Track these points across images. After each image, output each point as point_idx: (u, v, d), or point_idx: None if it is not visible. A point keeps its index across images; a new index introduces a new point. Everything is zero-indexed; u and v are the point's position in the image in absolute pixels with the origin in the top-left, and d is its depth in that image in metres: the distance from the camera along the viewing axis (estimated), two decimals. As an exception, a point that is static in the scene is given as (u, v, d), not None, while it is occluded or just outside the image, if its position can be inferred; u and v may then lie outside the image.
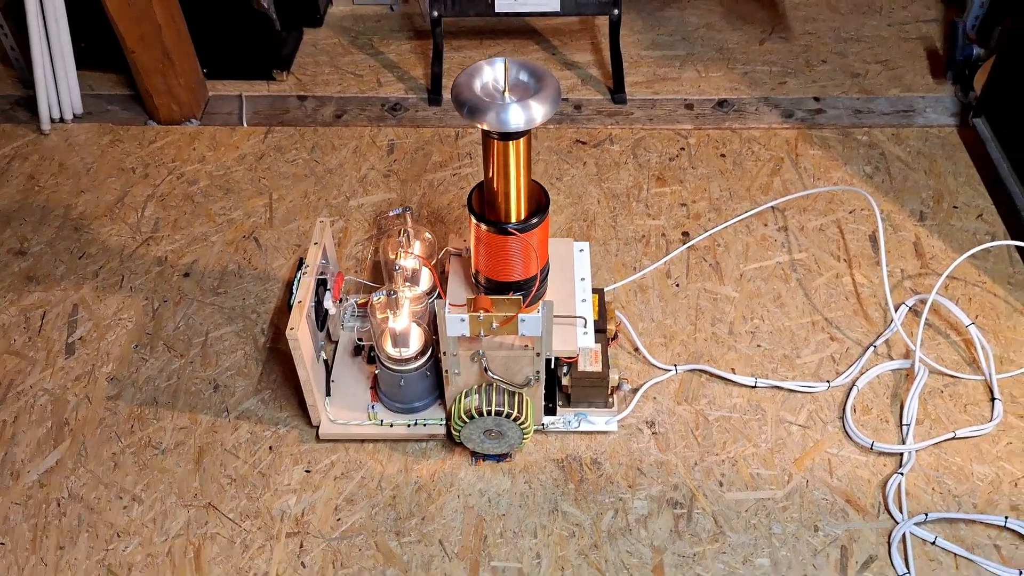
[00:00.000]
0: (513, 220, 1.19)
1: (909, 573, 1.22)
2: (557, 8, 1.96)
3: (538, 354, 1.22)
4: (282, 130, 1.95)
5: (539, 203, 1.21)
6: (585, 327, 1.30)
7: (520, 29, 2.24)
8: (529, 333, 1.18)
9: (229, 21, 2.00)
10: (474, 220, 1.20)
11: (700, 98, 2.01)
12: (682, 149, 1.88)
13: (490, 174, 1.15)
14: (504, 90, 1.09)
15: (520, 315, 1.16)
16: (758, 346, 1.50)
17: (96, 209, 1.77)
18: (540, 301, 1.19)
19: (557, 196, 1.77)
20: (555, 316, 1.24)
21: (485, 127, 1.07)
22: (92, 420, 1.41)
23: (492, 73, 1.11)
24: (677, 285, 1.60)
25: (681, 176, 1.81)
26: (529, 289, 1.26)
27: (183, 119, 1.97)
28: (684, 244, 1.67)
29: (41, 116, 1.93)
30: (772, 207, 1.73)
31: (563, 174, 1.83)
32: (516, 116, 1.05)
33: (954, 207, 1.73)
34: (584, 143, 1.90)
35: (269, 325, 1.54)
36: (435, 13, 1.99)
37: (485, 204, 1.20)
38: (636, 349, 1.49)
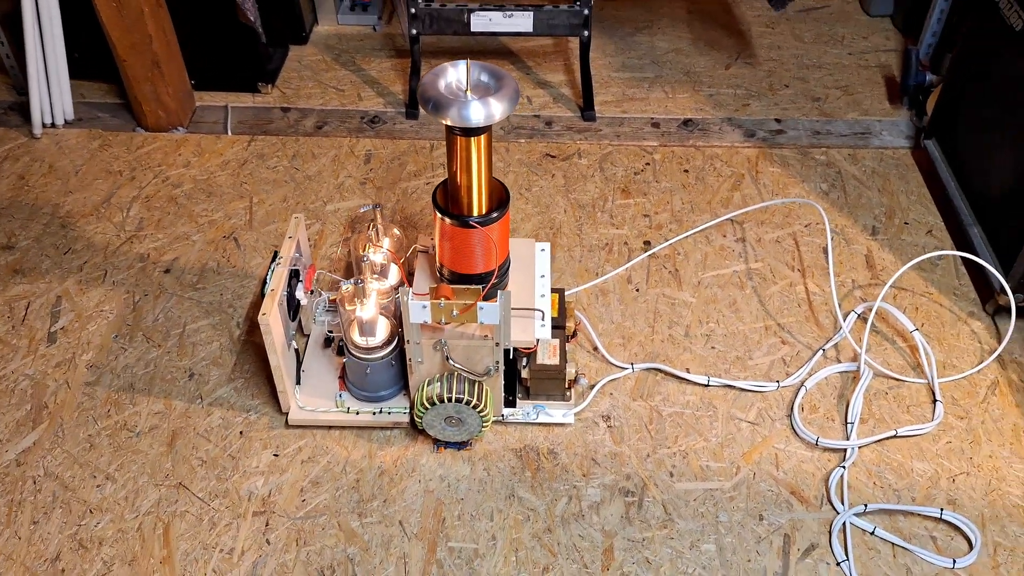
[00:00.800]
0: (475, 214, 1.26)
1: (848, 560, 1.27)
2: (530, 28, 2.04)
3: (497, 344, 1.29)
4: (265, 139, 2.02)
5: (500, 199, 1.28)
6: (543, 320, 1.36)
7: (496, 49, 2.33)
8: (488, 321, 1.25)
9: (217, 35, 2.08)
10: (438, 214, 1.26)
11: (666, 117, 2.09)
12: (647, 164, 1.96)
13: (453, 168, 1.22)
14: (466, 89, 1.16)
15: (479, 303, 1.22)
16: (712, 348, 1.57)
17: (83, 208, 1.83)
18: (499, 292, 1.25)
19: (525, 205, 1.84)
20: (513, 308, 1.31)
21: (448, 122, 1.14)
22: (70, 404, 1.46)
23: (456, 74, 1.18)
24: (637, 290, 1.67)
25: (645, 189, 1.89)
26: (489, 281, 1.32)
27: (170, 127, 2.04)
28: (645, 252, 1.74)
29: (33, 121, 2.00)
30: (731, 219, 1.81)
31: (532, 185, 1.90)
32: (477, 112, 1.13)
33: (905, 223, 1.81)
34: (554, 157, 1.98)
35: (245, 319, 1.60)
36: (414, 31, 2.08)
37: (449, 199, 1.27)
38: (595, 348, 1.55)
